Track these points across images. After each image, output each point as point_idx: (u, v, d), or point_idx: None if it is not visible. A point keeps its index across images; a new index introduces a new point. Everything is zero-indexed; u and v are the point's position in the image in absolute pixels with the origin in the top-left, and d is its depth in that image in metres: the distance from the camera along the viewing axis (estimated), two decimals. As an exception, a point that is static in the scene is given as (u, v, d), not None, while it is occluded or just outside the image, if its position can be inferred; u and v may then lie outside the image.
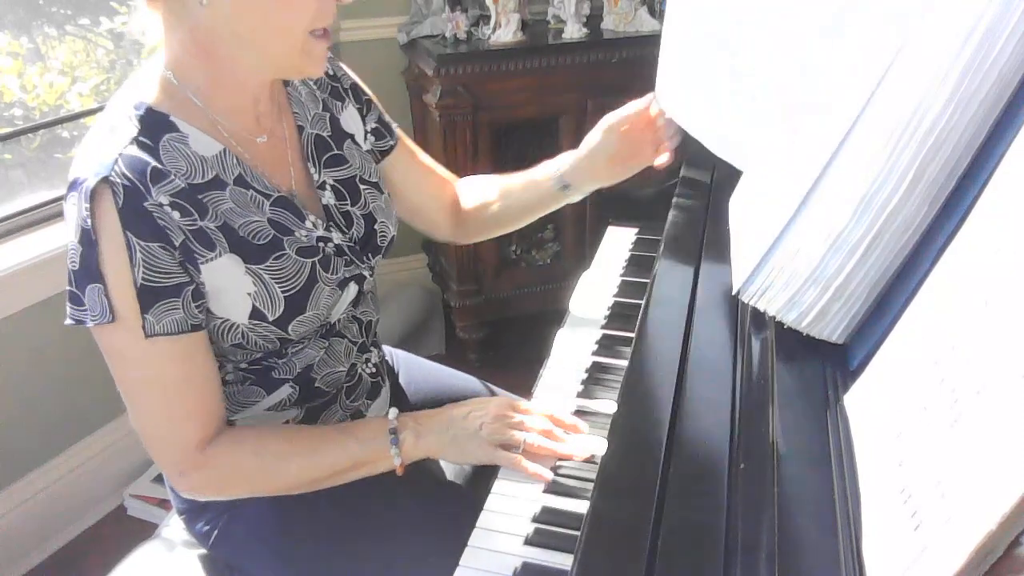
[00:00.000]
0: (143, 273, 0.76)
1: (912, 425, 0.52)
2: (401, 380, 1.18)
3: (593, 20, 2.19)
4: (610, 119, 1.05)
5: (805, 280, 0.70)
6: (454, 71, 2.00)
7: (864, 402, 0.61)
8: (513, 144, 2.28)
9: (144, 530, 1.20)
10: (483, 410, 0.88)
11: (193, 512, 1.00)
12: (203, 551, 1.01)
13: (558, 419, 0.87)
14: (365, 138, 1.03)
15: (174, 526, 1.06)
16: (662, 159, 1.03)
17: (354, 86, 1.03)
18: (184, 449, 0.84)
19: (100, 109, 1.96)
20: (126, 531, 1.80)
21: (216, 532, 0.97)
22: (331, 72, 1.01)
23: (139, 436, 0.86)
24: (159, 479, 1.88)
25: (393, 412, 0.90)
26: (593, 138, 1.07)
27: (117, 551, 1.02)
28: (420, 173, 1.12)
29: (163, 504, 1.82)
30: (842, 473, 0.58)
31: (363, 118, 1.03)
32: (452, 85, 2.01)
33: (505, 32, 2.07)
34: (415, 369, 1.22)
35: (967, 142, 0.62)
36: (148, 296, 0.77)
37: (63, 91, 1.94)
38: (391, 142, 1.07)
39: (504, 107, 2.10)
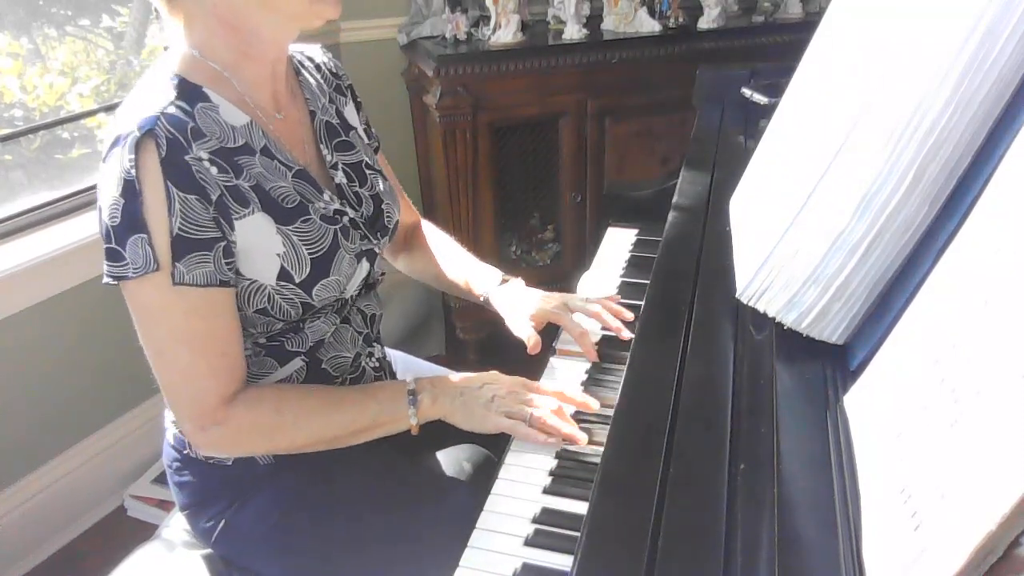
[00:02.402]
0: (179, 223, 0.79)
1: (912, 425, 0.52)
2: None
3: (593, 21, 2.19)
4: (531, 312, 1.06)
5: (805, 281, 0.70)
6: (454, 72, 2.00)
7: (864, 402, 0.61)
8: (513, 144, 2.28)
9: (144, 530, 1.20)
10: (497, 384, 0.92)
11: (196, 508, 1.00)
12: (203, 551, 1.01)
13: (569, 397, 0.90)
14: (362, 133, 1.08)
15: (174, 526, 1.06)
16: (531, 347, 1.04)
17: (351, 86, 1.09)
18: (206, 405, 0.85)
19: (100, 110, 1.97)
20: (126, 531, 1.80)
21: (219, 528, 0.98)
22: (334, 70, 1.07)
23: (162, 392, 0.87)
24: (159, 479, 1.88)
25: (411, 375, 0.94)
26: (509, 320, 1.08)
27: (117, 551, 1.02)
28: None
29: (163, 504, 1.82)
30: (842, 473, 0.58)
31: (358, 116, 1.08)
32: (452, 86, 2.01)
33: (505, 33, 2.07)
34: (413, 370, 1.22)
35: (967, 142, 0.62)
36: (181, 246, 0.79)
37: (63, 92, 1.94)
38: (376, 144, 1.12)
39: (504, 107, 2.10)
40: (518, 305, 1.08)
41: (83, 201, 1.82)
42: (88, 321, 1.75)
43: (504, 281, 1.14)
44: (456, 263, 1.18)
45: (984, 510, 0.41)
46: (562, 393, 0.91)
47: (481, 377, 0.94)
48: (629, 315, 1.06)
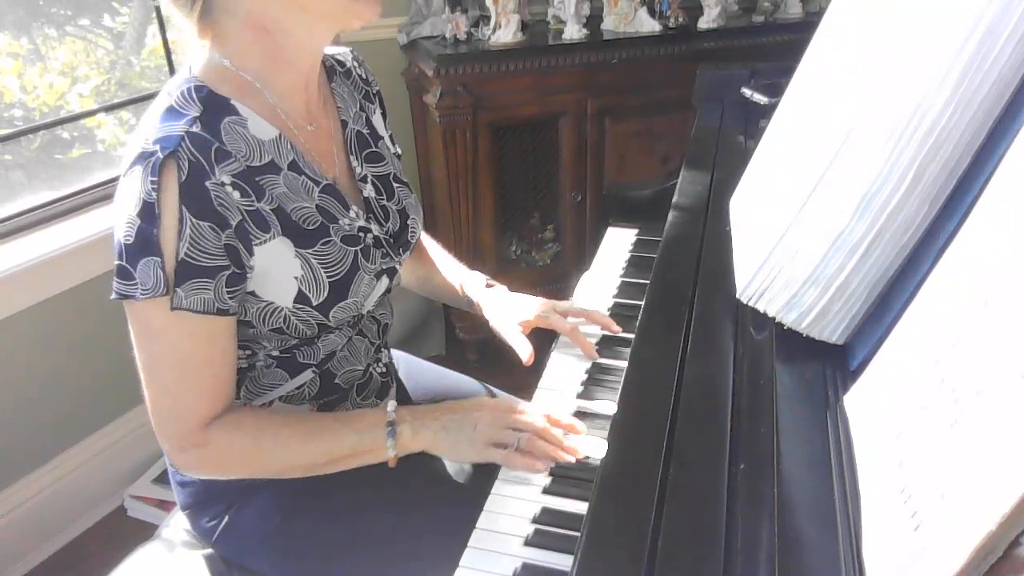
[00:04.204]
0: (187, 248, 0.78)
1: (912, 425, 0.52)
2: (403, 381, 1.18)
3: (593, 21, 2.19)
4: (523, 319, 1.07)
5: (805, 281, 0.70)
6: (454, 71, 2.00)
7: (864, 402, 0.61)
8: (513, 144, 2.28)
9: (144, 530, 1.20)
10: (480, 410, 0.89)
11: (198, 507, 1.00)
12: (204, 551, 1.01)
13: (555, 419, 0.88)
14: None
15: (174, 526, 1.06)
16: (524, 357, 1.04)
17: (379, 93, 1.07)
18: (187, 426, 0.85)
19: (100, 110, 1.97)
20: (126, 531, 1.80)
21: (220, 527, 0.98)
22: (364, 76, 1.05)
23: (147, 409, 0.86)
24: (159, 479, 1.88)
25: (391, 405, 0.90)
26: (497, 323, 1.10)
27: (117, 551, 1.02)
28: None
29: (163, 504, 1.82)
30: (842, 473, 0.58)
31: (385, 124, 1.07)
32: (452, 86, 2.01)
33: (505, 33, 2.07)
34: (415, 370, 1.22)
35: (967, 142, 0.62)
36: (184, 271, 0.78)
37: (63, 92, 1.94)
38: (399, 151, 1.10)
39: (504, 107, 2.10)
40: (506, 311, 1.08)
41: (83, 201, 1.82)
42: (88, 321, 1.75)
43: (489, 286, 1.14)
44: (444, 266, 1.18)
45: (984, 510, 0.41)
46: (548, 415, 0.88)
47: (463, 405, 0.91)
48: (616, 328, 1.05)
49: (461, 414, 0.89)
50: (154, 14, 2.01)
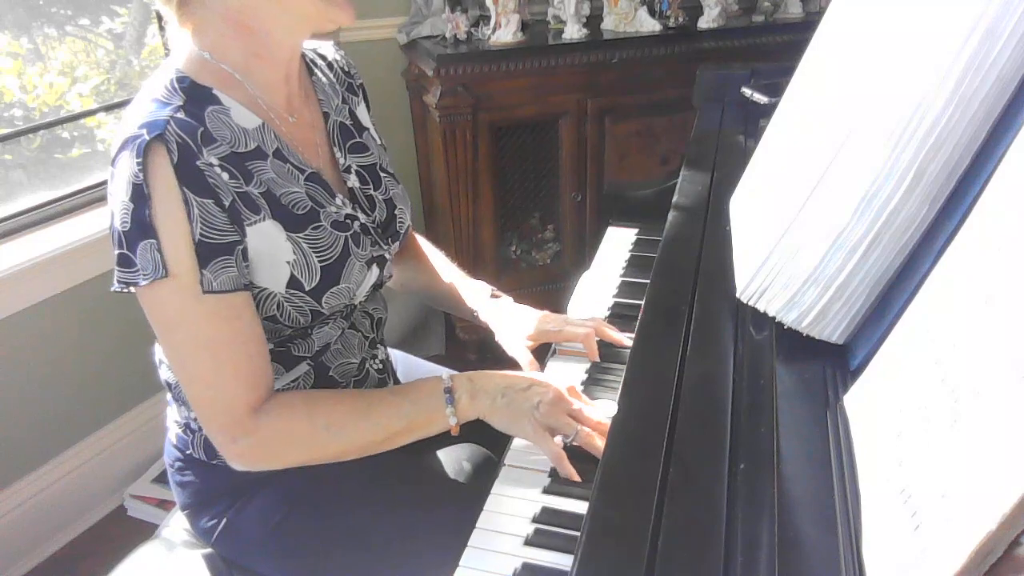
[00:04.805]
0: (201, 229, 0.78)
1: (912, 425, 0.52)
2: (401, 381, 1.18)
3: (593, 20, 2.19)
4: (528, 332, 1.06)
5: (805, 280, 0.70)
6: (454, 71, 2.00)
7: (864, 402, 0.61)
8: (513, 144, 2.28)
9: (144, 530, 1.20)
10: (545, 388, 0.87)
11: (198, 507, 1.00)
12: (204, 551, 1.01)
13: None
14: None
15: (174, 526, 1.06)
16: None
17: (363, 86, 1.08)
18: (234, 414, 0.83)
19: (100, 109, 1.97)
20: (126, 531, 1.80)
21: (220, 527, 0.98)
22: (346, 68, 1.06)
23: (191, 404, 0.86)
24: (159, 479, 1.88)
25: (446, 372, 0.90)
26: (503, 339, 1.09)
27: (117, 551, 1.02)
28: None
29: (163, 504, 1.82)
30: (842, 473, 0.58)
31: (369, 115, 1.07)
32: (452, 85, 2.01)
33: (505, 32, 2.07)
34: (415, 370, 1.22)
35: (967, 142, 0.62)
36: (206, 252, 0.78)
37: (63, 92, 1.94)
38: (384, 144, 1.10)
39: (504, 107, 2.10)
40: (512, 324, 1.07)
41: (83, 201, 1.82)
42: (88, 321, 1.75)
43: (494, 296, 1.13)
44: (447, 275, 1.17)
45: (984, 510, 0.41)
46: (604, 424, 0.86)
47: (527, 378, 0.89)
48: (627, 343, 1.03)
49: (523, 385, 0.88)
50: (153, 14, 2.01)
